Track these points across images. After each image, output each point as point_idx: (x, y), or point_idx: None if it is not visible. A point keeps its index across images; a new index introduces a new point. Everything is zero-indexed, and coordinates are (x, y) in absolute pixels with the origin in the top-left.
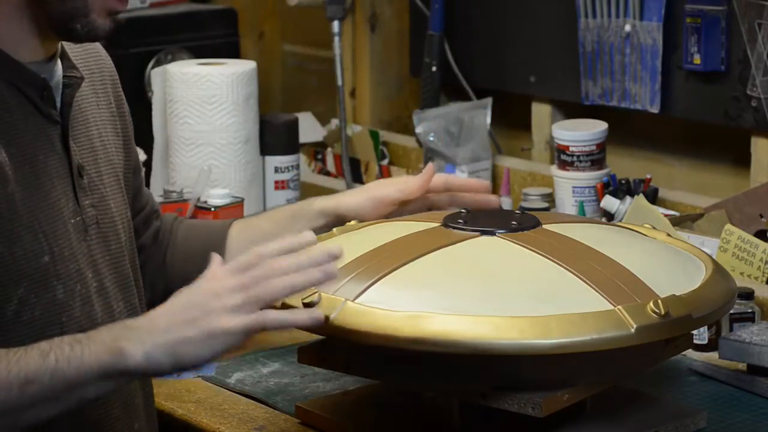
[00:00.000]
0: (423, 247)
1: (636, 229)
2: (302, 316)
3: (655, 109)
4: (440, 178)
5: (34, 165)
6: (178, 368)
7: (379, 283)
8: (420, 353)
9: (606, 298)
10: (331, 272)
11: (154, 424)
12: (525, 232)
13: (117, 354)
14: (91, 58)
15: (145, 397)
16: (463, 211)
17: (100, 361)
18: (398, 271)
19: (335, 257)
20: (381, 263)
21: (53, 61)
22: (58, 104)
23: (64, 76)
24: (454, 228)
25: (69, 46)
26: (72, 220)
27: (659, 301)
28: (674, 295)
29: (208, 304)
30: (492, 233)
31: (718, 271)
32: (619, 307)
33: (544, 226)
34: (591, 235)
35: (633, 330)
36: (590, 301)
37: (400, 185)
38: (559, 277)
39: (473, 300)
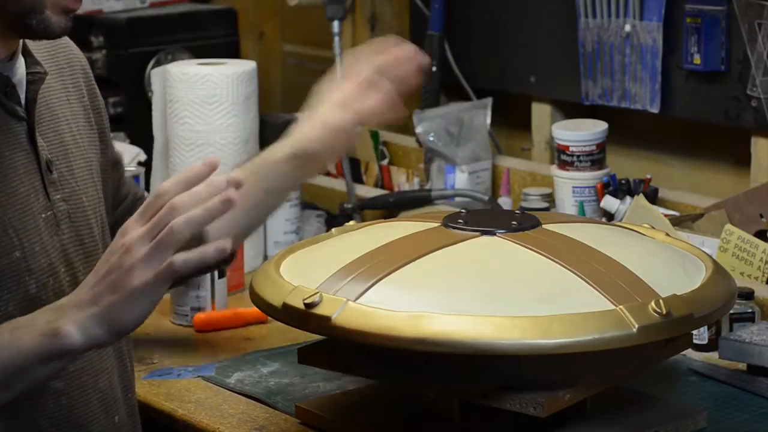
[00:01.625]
0: (424, 247)
1: (636, 229)
2: (209, 250)
3: (655, 109)
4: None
5: (0, 161)
6: (116, 334)
7: (380, 283)
8: (421, 353)
9: (607, 298)
10: (231, 199)
11: (134, 416)
12: (525, 232)
13: (53, 336)
14: (60, 54)
15: (124, 390)
16: (462, 211)
17: (39, 345)
18: (399, 271)
19: (237, 183)
20: (382, 264)
21: (15, 58)
22: (23, 101)
23: (27, 73)
24: (455, 228)
25: (37, 42)
26: (42, 215)
27: (661, 300)
28: (675, 294)
29: (123, 262)
30: (492, 233)
31: (718, 271)
32: (621, 306)
33: (544, 226)
34: (591, 235)
35: (635, 330)
36: (592, 300)
37: (349, 108)
38: (561, 277)
39: (474, 300)
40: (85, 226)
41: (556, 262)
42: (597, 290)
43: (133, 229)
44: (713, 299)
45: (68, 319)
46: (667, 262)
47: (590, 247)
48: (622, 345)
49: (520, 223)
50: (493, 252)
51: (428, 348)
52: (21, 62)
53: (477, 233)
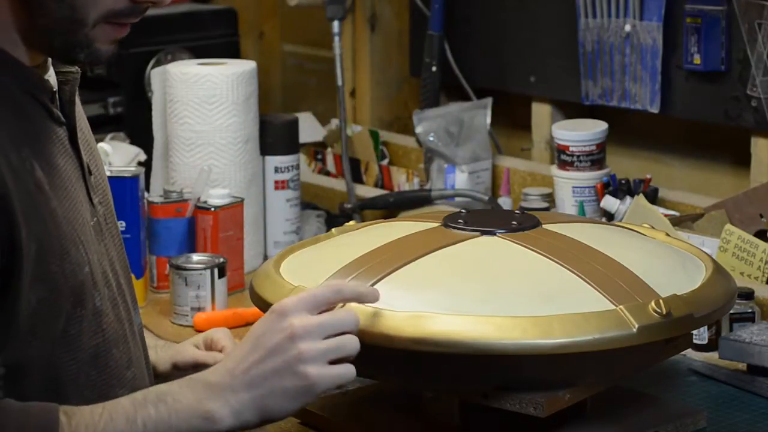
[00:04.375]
0: (424, 247)
1: (636, 229)
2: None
3: (655, 109)
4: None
5: (59, 173)
6: (264, 422)
7: (380, 283)
8: (421, 353)
9: (607, 298)
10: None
11: None
12: (525, 232)
13: (206, 418)
14: None
15: (151, 379)
16: (462, 211)
17: (189, 425)
18: (399, 271)
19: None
20: (382, 263)
21: (47, 61)
22: (58, 104)
23: (57, 73)
24: (455, 228)
25: None
26: (91, 222)
27: (661, 300)
28: (675, 294)
29: (290, 349)
30: (492, 233)
31: (718, 270)
32: (621, 306)
33: (544, 226)
34: (591, 235)
35: (635, 330)
36: (592, 300)
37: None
38: (561, 276)
39: (475, 300)
40: (113, 226)
41: (556, 262)
42: (597, 290)
43: (300, 314)
44: (713, 299)
45: (222, 402)
46: (667, 262)
47: (590, 247)
48: (622, 345)
49: (520, 223)
50: (493, 252)
51: (428, 348)
52: (49, 62)
53: (477, 233)
